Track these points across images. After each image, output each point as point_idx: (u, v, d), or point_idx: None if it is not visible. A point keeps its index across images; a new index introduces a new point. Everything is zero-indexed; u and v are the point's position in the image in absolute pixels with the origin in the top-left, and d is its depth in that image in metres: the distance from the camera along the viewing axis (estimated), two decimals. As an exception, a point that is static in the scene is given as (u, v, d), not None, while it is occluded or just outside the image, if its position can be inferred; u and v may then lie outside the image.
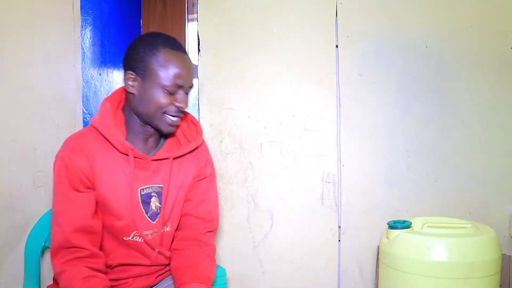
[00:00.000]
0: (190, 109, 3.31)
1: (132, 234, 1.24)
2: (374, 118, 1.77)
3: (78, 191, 1.17)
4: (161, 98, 1.17)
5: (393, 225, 1.43)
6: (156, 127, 1.22)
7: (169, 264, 1.37)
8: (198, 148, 1.34)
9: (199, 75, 1.90)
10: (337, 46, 1.79)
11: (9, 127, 1.47)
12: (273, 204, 1.84)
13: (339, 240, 1.81)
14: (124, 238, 1.24)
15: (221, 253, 1.89)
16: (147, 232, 1.25)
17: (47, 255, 1.58)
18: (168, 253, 1.33)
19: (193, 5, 2.68)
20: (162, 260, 1.32)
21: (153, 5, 2.66)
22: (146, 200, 1.24)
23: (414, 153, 1.75)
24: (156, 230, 1.26)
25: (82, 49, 1.97)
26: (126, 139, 1.23)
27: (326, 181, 1.81)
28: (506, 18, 1.68)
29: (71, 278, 1.12)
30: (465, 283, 1.28)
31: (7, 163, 1.47)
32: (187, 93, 1.21)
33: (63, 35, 1.74)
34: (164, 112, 1.19)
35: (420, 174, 1.74)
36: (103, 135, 1.19)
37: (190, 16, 2.67)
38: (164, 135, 1.29)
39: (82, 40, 2.01)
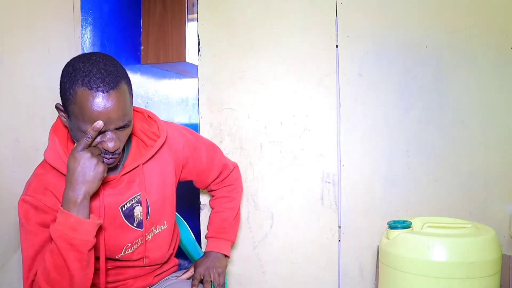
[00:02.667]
0: (191, 109, 3.32)
1: (124, 249, 1.24)
2: (374, 118, 1.77)
3: (48, 228, 1.08)
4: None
5: (393, 225, 1.43)
6: None
7: (166, 262, 1.38)
8: (166, 144, 1.29)
9: (199, 75, 1.90)
10: (337, 46, 1.79)
11: (12, 127, 1.48)
12: (273, 204, 1.84)
13: (339, 240, 1.81)
14: (116, 257, 1.24)
15: (221, 253, 1.89)
16: (137, 241, 1.26)
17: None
18: (165, 252, 1.35)
19: (193, 5, 2.68)
20: (156, 259, 1.32)
21: (153, 5, 2.66)
22: (129, 214, 1.21)
23: (414, 153, 1.75)
24: (144, 236, 1.26)
25: (82, 49, 1.97)
26: None
27: (326, 181, 1.81)
28: (506, 18, 1.68)
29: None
30: (465, 283, 1.28)
31: (11, 163, 1.47)
32: (121, 129, 1.07)
33: (63, 35, 1.74)
34: None
35: (420, 174, 1.74)
36: (58, 170, 1.11)
37: (190, 16, 2.67)
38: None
39: (82, 40, 2.01)
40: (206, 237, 1.51)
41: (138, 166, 1.21)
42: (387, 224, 1.46)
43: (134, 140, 1.25)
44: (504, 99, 1.69)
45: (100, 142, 1.06)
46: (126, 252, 1.24)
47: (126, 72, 1.10)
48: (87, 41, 2.15)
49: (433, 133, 1.74)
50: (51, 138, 1.14)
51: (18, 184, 1.48)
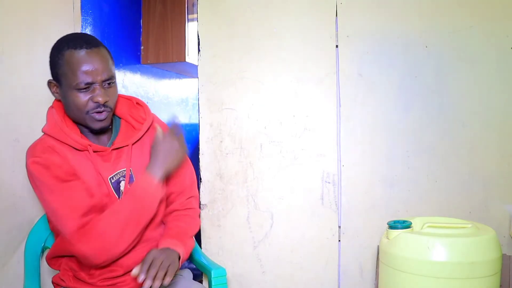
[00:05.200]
0: (191, 109, 3.31)
1: None
2: (374, 118, 1.77)
3: (66, 181, 1.19)
4: (76, 98, 1.19)
5: (393, 225, 1.43)
6: (87, 126, 1.25)
7: None
8: (152, 127, 1.38)
9: (199, 75, 1.90)
10: (337, 46, 1.79)
11: (12, 127, 1.48)
12: (273, 204, 1.84)
13: (339, 240, 1.81)
14: None
15: (221, 253, 1.89)
16: None
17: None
18: (155, 234, 1.36)
19: (193, 5, 2.68)
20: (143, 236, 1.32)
21: (153, 5, 2.66)
22: (116, 187, 1.29)
23: (414, 153, 1.75)
24: None
25: (82, 49, 1.97)
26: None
27: (326, 181, 1.81)
28: (506, 18, 1.68)
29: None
30: (465, 283, 1.28)
31: (10, 163, 1.47)
32: (107, 86, 1.22)
33: (63, 35, 1.74)
34: (87, 112, 1.21)
35: (420, 174, 1.74)
36: (58, 140, 1.23)
37: (190, 16, 2.67)
38: (95, 131, 1.28)
39: (82, 40, 2.00)
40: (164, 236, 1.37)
41: (127, 145, 1.31)
42: (387, 224, 1.46)
43: (123, 123, 1.36)
44: (504, 99, 1.69)
45: (91, 97, 1.20)
46: None
47: (105, 46, 1.26)
48: (87, 41, 2.14)
49: (433, 133, 1.73)
50: (49, 112, 1.27)
51: (18, 184, 1.48)
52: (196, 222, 1.45)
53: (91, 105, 1.20)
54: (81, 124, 1.27)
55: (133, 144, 1.33)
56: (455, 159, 1.72)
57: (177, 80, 3.11)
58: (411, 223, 1.45)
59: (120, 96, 1.36)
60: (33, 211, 1.55)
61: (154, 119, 1.42)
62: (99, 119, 1.23)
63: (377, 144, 1.77)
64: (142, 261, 1.20)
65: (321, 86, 1.80)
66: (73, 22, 1.79)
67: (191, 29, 2.66)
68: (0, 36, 1.44)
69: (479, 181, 1.70)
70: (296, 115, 1.82)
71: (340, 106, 1.79)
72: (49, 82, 1.24)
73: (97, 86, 1.20)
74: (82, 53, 1.18)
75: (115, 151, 1.31)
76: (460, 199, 1.72)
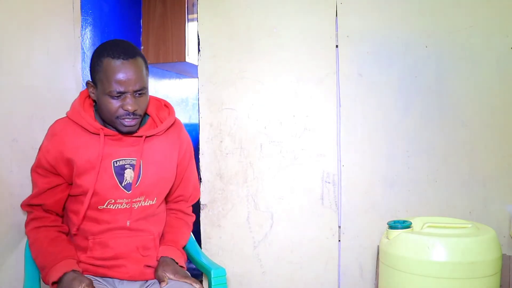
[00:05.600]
0: (191, 109, 3.31)
1: (107, 202, 1.34)
2: (374, 118, 1.77)
3: (43, 169, 1.36)
4: (109, 104, 1.29)
5: (393, 225, 1.43)
6: (116, 129, 1.34)
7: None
8: (174, 130, 1.48)
9: (199, 75, 1.90)
10: (337, 46, 1.79)
11: (10, 127, 1.47)
12: (273, 204, 1.84)
13: (339, 240, 1.81)
14: (99, 207, 1.34)
15: (221, 253, 1.89)
16: (121, 201, 1.35)
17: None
18: (153, 228, 1.42)
19: (193, 5, 2.68)
20: (141, 230, 1.40)
21: (153, 5, 2.66)
22: (120, 172, 1.35)
23: (414, 153, 1.75)
24: (129, 200, 1.36)
25: (82, 49, 1.97)
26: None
27: (326, 181, 1.81)
28: (506, 18, 1.68)
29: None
30: (465, 283, 1.28)
31: (9, 163, 1.47)
32: (138, 95, 1.30)
33: (63, 35, 1.74)
34: (117, 117, 1.30)
35: (420, 174, 1.74)
36: (74, 122, 1.34)
37: (190, 16, 2.67)
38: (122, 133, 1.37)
39: (82, 40, 2.01)
40: (163, 243, 1.47)
41: (141, 136, 1.37)
42: (387, 224, 1.46)
43: (149, 120, 1.44)
44: (504, 99, 1.69)
45: (121, 105, 1.28)
46: (109, 207, 1.35)
47: (143, 55, 1.35)
48: (87, 41, 2.15)
49: (433, 133, 1.73)
50: (74, 101, 1.40)
51: (16, 185, 1.47)
52: (190, 230, 1.58)
53: (121, 112, 1.29)
54: (110, 125, 1.36)
55: (147, 137, 1.39)
56: (455, 159, 1.72)
57: (177, 80, 3.11)
58: (411, 223, 1.45)
59: (151, 97, 1.45)
60: (33, 211, 1.54)
61: (178, 124, 1.50)
62: (128, 125, 1.31)
63: (377, 144, 1.77)
64: (178, 276, 1.34)
65: (321, 86, 1.80)
66: (73, 22, 1.79)
67: (191, 29, 2.66)
68: (0, 36, 1.44)
69: (479, 181, 1.70)
70: (296, 115, 1.82)
71: (340, 106, 1.79)
72: (87, 83, 1.35)
73: (128, 95, 1.28)
74: (118, 63, 1.26)
75: (127, 139, 1.37)
76: (460, 199, 1.71)
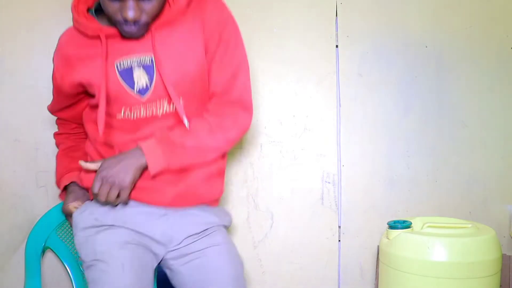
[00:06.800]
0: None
1: (122, 110, 1.14)
2: (374, 118, 1.77)
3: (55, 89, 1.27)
4: (108, 7, 1.05)
5: (393, 225, 1.43)
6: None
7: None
8: (198, 6, 1.14)
9: (199, 75, 1.90)
10: (337, 46, 1.79)
11: (12, 127, 1.48)
12: (273, 204, 1.84)
13: (339, 240, 1.81)
14: (117, 117, 1.15)
15: (221, 253, 1.89)
16: (138, 107, 1.13)
17: (48, 255, 1.58)
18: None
19: (193, 5, 2.67)
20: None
21: (153, 5, 2.66)
22: (126, 76, 1.12)
23: (414, 153, 1.75)
24: (147, 106, 1.13)
25: (82, 49, 1.96)
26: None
27: (326, 181, 1.81)
28: (506, 18, 1.68)
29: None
30: (465, 283, 1.28)
31: (11, 163, 1.47)
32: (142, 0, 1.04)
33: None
34: (117, 22, 1.07)
35: (420, 174, 1.74)
36: (75, 28, 1.16)
37: (190, 16, 2.67)
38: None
39: (82, 40, 2.00)
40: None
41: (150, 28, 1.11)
42: (387, 224, 1.46)
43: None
44: (504, 99, 1.69)
45: (121, 10, 1.04)
46: (127, 116, 1.14)
47: None
48: (87, 41, 2.14)
49: (433, 133, 1.74)
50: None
51: (18, 184, 1.48)
52: (201, 130, 1.14)
53: (119, 17, 1.05)
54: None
55: (158, 26, 1.11)
56: (455, 159, 1.72)
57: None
58: (411, 223, 1.45)
59: None
60: (33, 211, 1.54)
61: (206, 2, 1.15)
62: (128, 31, 1.07)
63: (377, 144, 1.77)
64: (98, 169, 1.10)
65: (321, 86, 1.80)
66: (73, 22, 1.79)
67: (191, 29, 2.65)
68: (0, 36, 1.44)
69: (479, 181, 1.70)
70: (296, 115, 1.82)
71: (340, 106, 1.79)
72: None
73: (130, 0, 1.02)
74: None
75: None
76: (460, 199, 1.72)
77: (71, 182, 1.28)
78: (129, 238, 1.15)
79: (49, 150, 1.58)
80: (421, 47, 1.73)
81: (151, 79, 1.11)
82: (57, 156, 1.37)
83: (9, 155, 1.46)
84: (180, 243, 1.19)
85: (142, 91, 1.12)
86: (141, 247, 1.16)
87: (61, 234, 1.53)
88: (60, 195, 1.33)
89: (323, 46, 1.79)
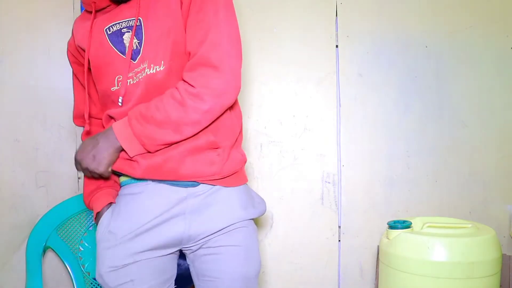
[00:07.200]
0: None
1: (116, 79, 1.07)
2: (374, 118, 1.77)
3: (76, 75, 1.20)
4: None
5: (393, 225, 1.43)
6: None
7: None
8: None
9: (199, 75, 1.90)
10: (337, 46, 1.79)
11: (12, 127, 1.48)
12: (273, 204, 1.84)
13: (339, 240, 1.81)
14: (111, 89, 1.07)
15: (221, 253, 1.89)
16: (131, 75, 1.05)
17: (48, 255, 1.58)
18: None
19: (193, 5, 2.68)
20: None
21: (153, 5, 2.66)
22: (116, 40, 1.06)
23: (414, 153, 1.75)
24: (138, 69, 1.06)
25: (83, 49, 1.97)
26: None
27: (326, 181, 1.81)
28: (506, 18, 1.68)
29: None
30: (465, 283, 1.28)
31: (11, 163, 1.47)
32: None
33: (64, 35, 1.73)
34: None
35: (420, 174, 1.74)
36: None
37: (190, 16, 2.67)
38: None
39: (83, 40, 2.00)
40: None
41: None
42: (387, 224, 1.46)
43: None
44: (504, 99, 1.69)
45: None
46: (120, 86, 1.06)
47: None
48: (87, 41, 2.14)
49: (433, 133, 1.74)
50: None
51: (18, 184, 1.48)
52: (167, 102, 1.02)
53: None
54: None
55: None
56: (455, 159, 1.72)
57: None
58: (411, 223, 1.45)
59: None
60: (32, 211, 1.55)
61: None
62: None
63: (377, 144, 1.77)
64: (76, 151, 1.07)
65: (321, 86, 1.80)
66: (73, 22, 1.79)
67: (191, 29, 2.65)
68: (0, 36, 1.44)
69: (479, 181, 1.71)
70: (296, 115, 1.82)
71: (340, 106, 1.79)
72: None
73: None
74: None
75: (122, 4, 1.08)
76: (460, 199, 1.72)
77: None
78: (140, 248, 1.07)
79: (49, 150, 1.58)
80: (421, 47, 1.73)
81: (140, 42, 1.05)
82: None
83: (9, 155, 1.46)
84: (198, 241, 1.10)
85: (134, 56, 1.05)
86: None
87: (61, 233, 1.53)
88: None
89: (323, 46, 1.79)
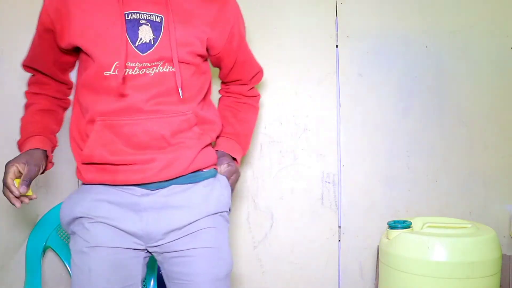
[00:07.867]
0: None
1: (114, 65, 1.06)
2: (374, 118, 1.77)
3: (38, 32, 1.19)
4: None
5: (393, 225, 1.43)
6: None
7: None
8: None
9: (199, 75, 1.90)
10: (337, 46, 1.79)
11: (12, 127, 1.48)
12: (273, 204, 1.84)
13: (339, 240, 1.81)
14: (104, 73, 1.07)
15: (221, 253, 1.89)
16: (133, 65, 1.07)
17: (49, 255, 1.58)
18: (176, 100, 1.10)
19: (193, 5, 2.67)
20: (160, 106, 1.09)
21: (153, 5, 2.66)
22: (132, 28, 1.07)
23: (414, 153, 1.75)
24: (144, 65, 1.07)
25: (82, 49, 1.96)
26: None
27: (326, 181, 1.81)
28: (506, 18, 1.68)
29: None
30: (465, 283, 1.28)
31: (10, 163, 1.47)
32: None
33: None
34: None
35: (420, 174, 1.74)
36: None
37: (190, 16, 2.67)
38: None
39: (82, 40, 2.00)
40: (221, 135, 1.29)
41: None
42: (387, 224, 1.46)
43: None
44: (504, 99, 1.69)
45: None
46: (116, 72, 1.06)
47: None
48: (87, 41, 2.14)
49: (433, 133, 1.74)
50: None
51: (18, 184, 1.48)
52: (256, 112, 1.40)
53: None
54: None
55: None
56: (455, 159, 1.72)
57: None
58: (411, 223, 1.45)
59: None
60: (34, 211, 1.55)
61: None
62: None
63: (377, 144, 1.77)
64: (227, 171, 1.26)
65: (321, 86, 1.80)
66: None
67: (191, 29, 2.65)
68: (0, 36, 1.44)
69: (479, 181, 1.71)
70: (296, 115, 1.82)
71: (340, 106, 1.79)
72: None
73: None
74: None
75: None
76: (460, 199, 1.72)
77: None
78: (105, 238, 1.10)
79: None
80: (421, 47, 1.73)
81: (156, 38, 1.08)
82: (30, 113, 1.24)
83: (9, 155, 1.46)
84: (159, 239, 1.11)
85: (142, 48, 1.07)
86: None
87: (61, 233, 1.53)
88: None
89: (323, 46, 1.79)
